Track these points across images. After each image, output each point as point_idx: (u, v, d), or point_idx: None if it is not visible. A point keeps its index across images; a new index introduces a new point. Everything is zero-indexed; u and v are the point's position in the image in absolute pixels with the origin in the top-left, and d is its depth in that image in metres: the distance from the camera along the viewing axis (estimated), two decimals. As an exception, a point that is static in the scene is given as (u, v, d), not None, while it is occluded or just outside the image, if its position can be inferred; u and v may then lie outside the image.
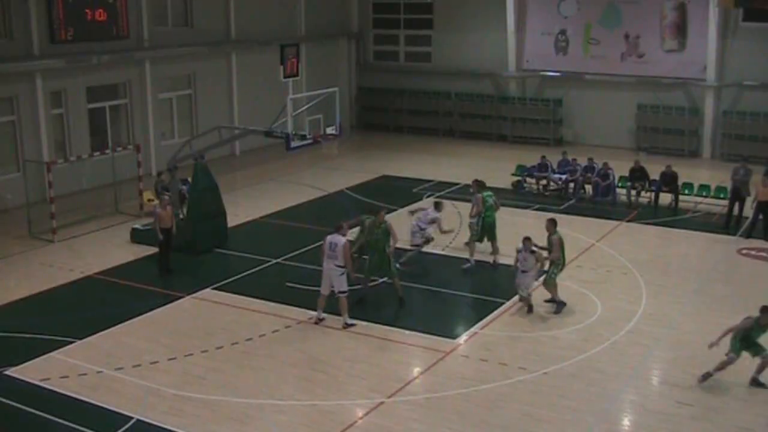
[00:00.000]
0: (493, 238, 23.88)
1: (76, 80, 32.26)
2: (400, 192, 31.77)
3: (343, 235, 19.31)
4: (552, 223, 20.54)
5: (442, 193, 31.59)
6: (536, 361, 17.75)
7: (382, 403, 15.94)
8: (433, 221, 23.62)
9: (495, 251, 23.90)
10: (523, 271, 20.08)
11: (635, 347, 18.46)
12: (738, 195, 28.00)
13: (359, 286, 20.75)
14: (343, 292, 19.34)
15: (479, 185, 24.13)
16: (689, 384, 16.80)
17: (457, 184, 32.27)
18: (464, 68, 44.06)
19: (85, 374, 17.13)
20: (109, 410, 15.65)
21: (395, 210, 28.35)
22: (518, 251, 20.18)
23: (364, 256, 21.39)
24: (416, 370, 17.48)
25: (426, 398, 16.26)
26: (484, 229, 23.71)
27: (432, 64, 45.74)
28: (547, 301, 20.58)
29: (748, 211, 27.30)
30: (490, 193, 23.95)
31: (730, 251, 25.49)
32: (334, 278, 19.22)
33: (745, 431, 15.20)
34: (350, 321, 19.39)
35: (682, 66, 39.28)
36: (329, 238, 19.34)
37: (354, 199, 31.11)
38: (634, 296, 21.42)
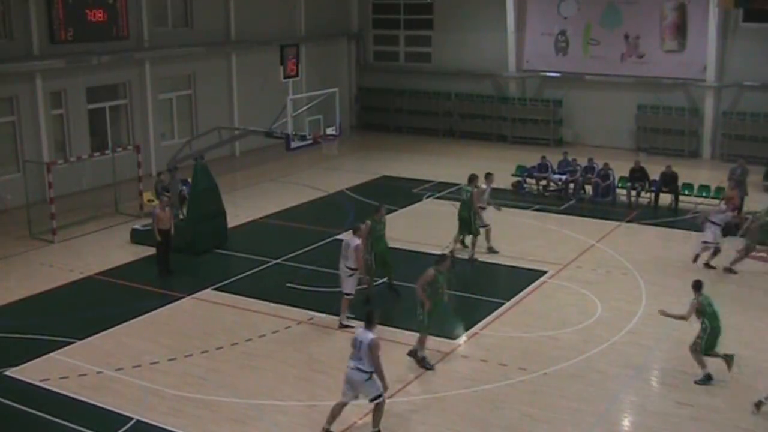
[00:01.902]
0: (467, 233, 24.27)
1: (76, 80, 32.25)
2: (400, 192, 31.78)
3: (360, 237, 19.34)
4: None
5: (442, 193, 31.64)
6: (536, 361, 17.75)
7: (382, 403, 15.94)
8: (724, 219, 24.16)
9: (471, 246, 24.32)
10: None
11: (635, 348, 18.46)
12: (737, 194, 28.08)
13: (364, 287, 20.77)
14: (348, 294, 19.35)
15: (469, 179, 24.39)
16: (689, 385, 16.81)
17: (457, 184, 32.02)
18: (464, 68, 44.08)
19: (85, 375, 17.13)
20: (109, 411, 15.65)
21: (395, 210, 28.35)
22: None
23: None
24: (417, 371, 17.45)
25: (426, 399, 16.26)
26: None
27: (432, 64, 45.75)
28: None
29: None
30: (467, 188, 24.12)
31: (730, 251, 25.44)
32: (343, 279, 19.27)
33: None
34: (347, 322, 19.37)
35: (682, 66, 39.29)
36: (345, 238, 19.40)
37: (354, 200, 31.11)
38: (633, 297, 21.42)
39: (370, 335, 14.17)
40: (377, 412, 14.57)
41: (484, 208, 24.62)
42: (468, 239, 24.54)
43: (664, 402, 16.26)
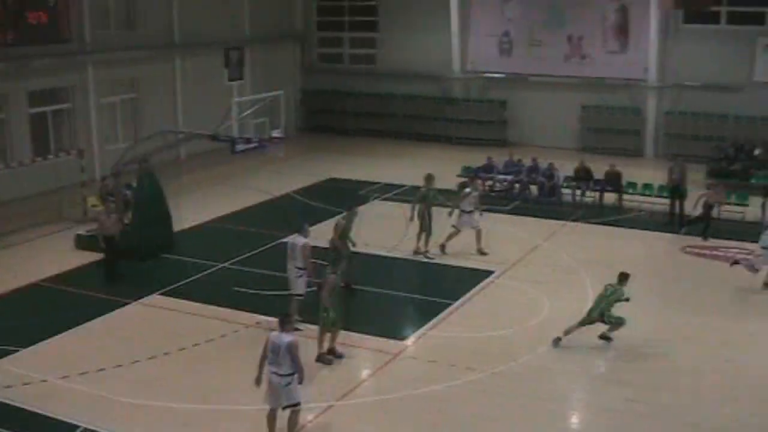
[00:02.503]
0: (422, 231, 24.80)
1: (17, 85, 31.77)
2: (347, 194, 31.68)
3: (305, 236, 19.26)
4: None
5: (388, 195, 31.67)
6: (485, 361, 17.82)
7: (331, 406, 15.91)
8: None
9: (423, 244, 24.74)
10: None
11: (583, 346, 18.59)
12: (677, 192, 28.55)
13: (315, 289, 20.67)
14: (299, 295, 19.25)
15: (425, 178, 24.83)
16: (639, 382, 17.02)
17: (403, 185, 32.31)
18: (409, 70, 44.10)
19: (29, 383, 16.86)
20: (55, 420, 15.43)
21: (341, 213, 28.27)
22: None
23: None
24: (365, 373, 17.48)
25: (375, 400, 16.27)
26: None
27: (377, 66, 45.76)
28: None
29: (689, 208, 27.77)
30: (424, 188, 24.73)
31: (674, 249, 25.87)
32: (293, 280, 19.18)
33: (693, 427, 15.41)
34: (296, 325, 19.27)
35: (624, 67, 39.73)
36: (290, 239, 19.34)
37: (301, 203, 31.04)
38: (580, 295, 21.51)
39: (288, 337, 13.98)
40: (292, 421, 14.30)
41: (471, 212, 24.86)
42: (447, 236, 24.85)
43: (614, 399, 16.41)
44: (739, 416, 15.84)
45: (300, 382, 14.15)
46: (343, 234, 21.71)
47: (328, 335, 17.81)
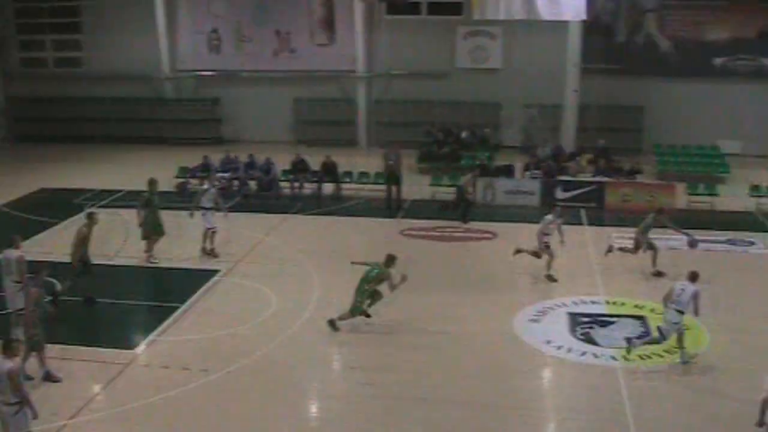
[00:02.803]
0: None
1: None
2: (60, 204, 30.54)
3: (17, 248, 18.40)
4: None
5: (104, 201, 30.78)
6: (218, 361, 17.75)
7: (64, 425, 15.34)
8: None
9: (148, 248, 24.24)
10: None
11: (313, 335, 18.95)
12: (392, 178, 29.65)
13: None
14: (22, 310, 18.30)
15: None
16: (369, 365, 17.54)
17: (120, 191, 31.56)
18: (117, 72, 43.07)
19: None
20: None
21: (56, 224, 27.30)
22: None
23: None
24: (97, 387, 16.93)
25: (110, 414, 15.81)
26: None
27: (84, 69, 44.31)
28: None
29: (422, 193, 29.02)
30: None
31: (393, 233, 26.78)
32: (11, 296, 18.23)
33: (421, 402, 16.05)
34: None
35: (333, 59, 40.78)
36: (2, 255, 18.44)
37: (12, 216, 29.55)
38: (306, 285, 21.95)
39: (9, 364, 13.18)
40: None
41: (209, 209, 24.63)
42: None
43: (347, 384, 16.91)
44: (458, 387, 16.67)
45: (34, 417, 13.42)
46: (84, 243, 20.87)
47: (43, 351, 16.98)
